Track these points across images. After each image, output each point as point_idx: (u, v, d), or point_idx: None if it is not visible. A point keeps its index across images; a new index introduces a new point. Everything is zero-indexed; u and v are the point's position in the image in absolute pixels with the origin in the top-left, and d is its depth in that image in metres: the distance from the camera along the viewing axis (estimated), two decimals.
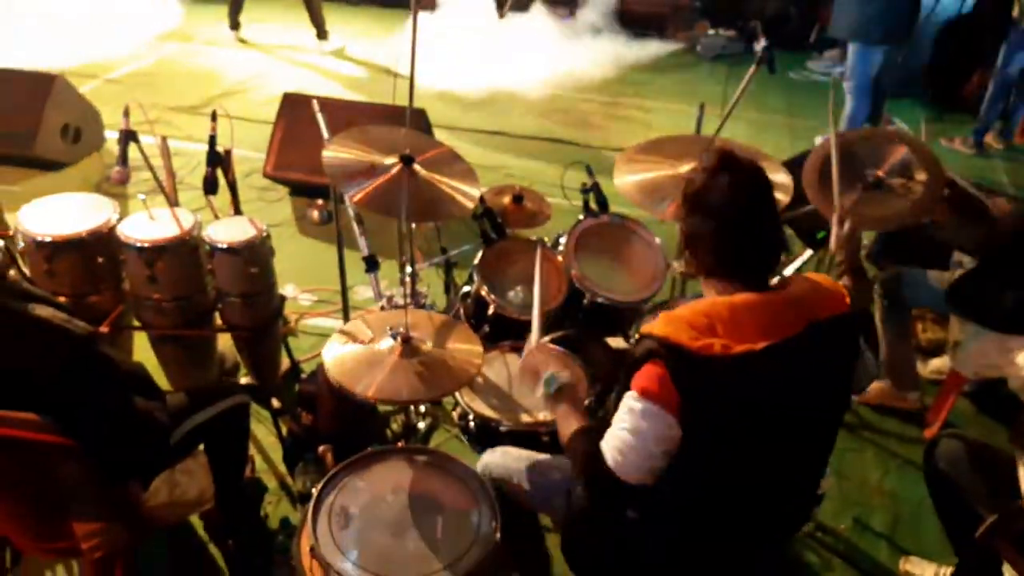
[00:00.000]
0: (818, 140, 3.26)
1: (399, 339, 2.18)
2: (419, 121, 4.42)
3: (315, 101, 2.87)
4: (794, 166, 2.88)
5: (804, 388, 1.62)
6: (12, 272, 2.65)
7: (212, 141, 2.68)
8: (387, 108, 4.41)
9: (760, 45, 2.68)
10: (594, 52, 7.07)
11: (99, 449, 1.91)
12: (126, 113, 2.72)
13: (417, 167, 2.45)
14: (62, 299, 2.69)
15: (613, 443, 1.63)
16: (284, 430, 2.90)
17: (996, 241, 2.80)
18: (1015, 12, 5.16)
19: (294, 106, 4.64)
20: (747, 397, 1.55)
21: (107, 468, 2.00)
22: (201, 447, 2.40)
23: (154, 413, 2.05)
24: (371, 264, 2.24)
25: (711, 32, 7.44)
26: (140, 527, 2.19)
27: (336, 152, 2.45)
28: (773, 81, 6.94)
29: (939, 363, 3.53)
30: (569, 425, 1.82)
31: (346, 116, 4.16)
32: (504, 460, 2.15)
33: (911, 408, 3.30)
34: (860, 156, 2.61)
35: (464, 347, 2.26)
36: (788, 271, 3.70)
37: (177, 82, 6.28)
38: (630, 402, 1.60)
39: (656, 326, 1.57)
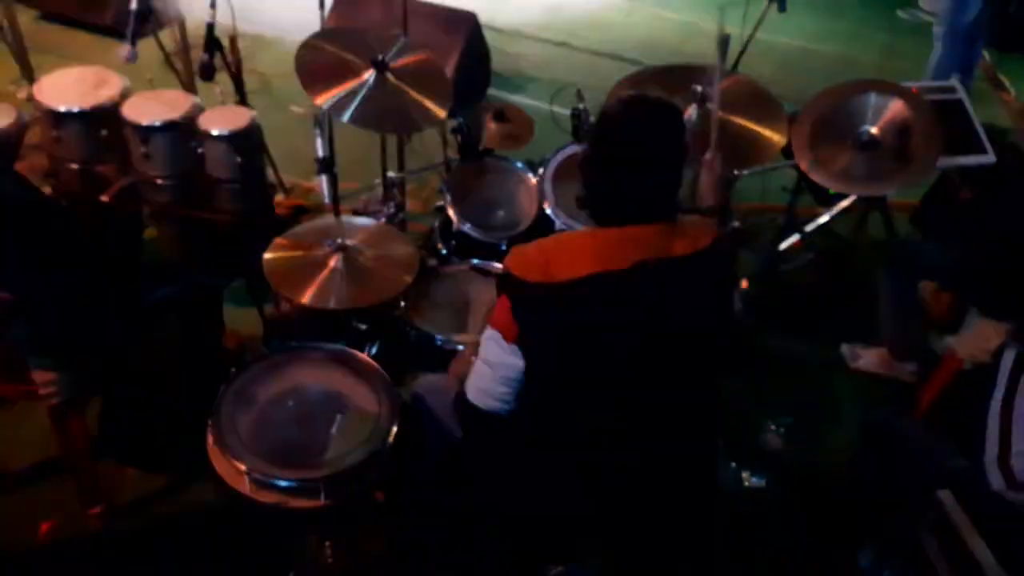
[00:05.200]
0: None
1: (336, 247, 2.24)
2: (464, 24, 4.34)
3: None
4: None
5: (639, 321, 1.59)
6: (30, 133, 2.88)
7: (210, 28, 2.75)
8: (439, 8, 4.37)
9: None
10: None
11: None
12: None
13: (389, 75, 2.45)
14: (73, 166, 2.93)
15: (472, 369, 1.71)
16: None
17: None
18: None
19: None
20: (571, 323, 1.57)
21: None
22: None
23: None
24: (323, 165, 2.28)
25: None
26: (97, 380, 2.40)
27: (313, 48, 2.47)
28: (879, 18, 6.43)
29: (953, 341, 3.32)
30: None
31: (391, 13, 4.13)
32: (438, 379, 2.18)
33: (907, 381, 3.14)
34: (858, 110, 2.42)
35: (402, 259, 2.31)
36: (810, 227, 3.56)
37: None
38: (486, 331, 1.66)
39: (506, 258, 1.63)
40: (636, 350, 1.62)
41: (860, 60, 5.55)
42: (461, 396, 1.72)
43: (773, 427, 2.75)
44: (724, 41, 2.96)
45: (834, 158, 2.41)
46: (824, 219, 3.50)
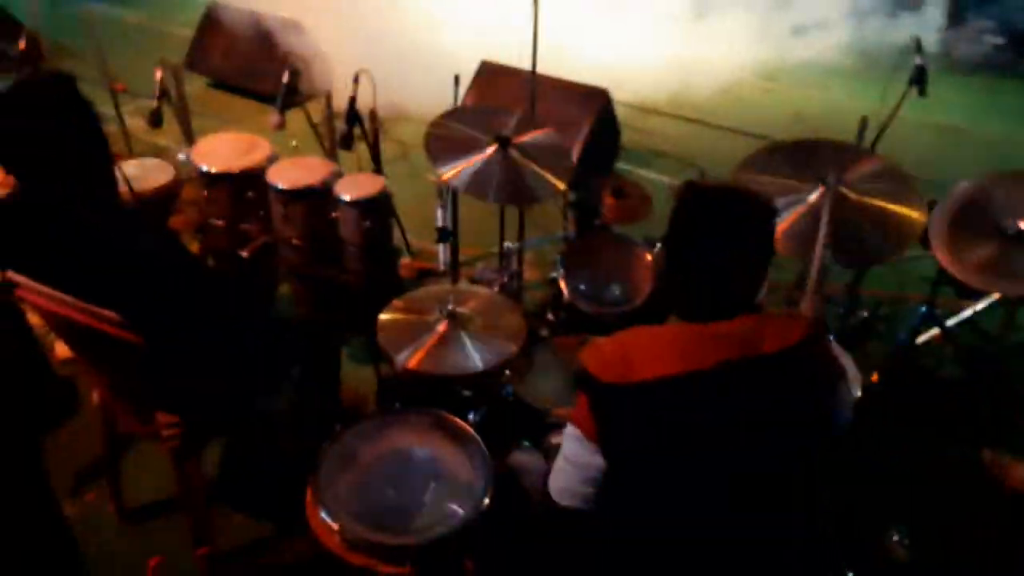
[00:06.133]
0: None
1: (445, 314, 2.29)
2: (595, 100, 4.42)
3: (456, 75, 3.02)
4: None
5: (724, 424, 1.50)
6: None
7: (351, 102, 2.93)
8: (571, 85, 4.48)
9: (916, 61, 2.37)
10: (828, 37, 6.35)
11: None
12: (289, 67, 3.05)
13: (512, 151, 2.52)
14: (220, 223, 3.17)
15: (554, 466, 1.69)
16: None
17: None
18: None
19: (490, 74, 4.83)
20: (651, 424, 1.50)
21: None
22: None
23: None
24: (443, 235, 2.36)
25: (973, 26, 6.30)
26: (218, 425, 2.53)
27: (446, 125, 2.59)
28: None
29: None
30: None
31: (527, 90, 4.28)
32: (531, 459, 2.18)
33: None
34: (1000, 203, 2.25)
35: (509, 330, 2.33)
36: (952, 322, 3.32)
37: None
38: (567, 427, 1.63)
39: (583, 352, 1.57)
40: (721, 451, 1.53)
41: (1019, 142, 5.21)
42: (544, 492, 1.70)
43: (898, 536, 2.53)
44: (863, 124, 2.89)
45: (975, 251, 2.24)
46: (967, 313, 3.26)
